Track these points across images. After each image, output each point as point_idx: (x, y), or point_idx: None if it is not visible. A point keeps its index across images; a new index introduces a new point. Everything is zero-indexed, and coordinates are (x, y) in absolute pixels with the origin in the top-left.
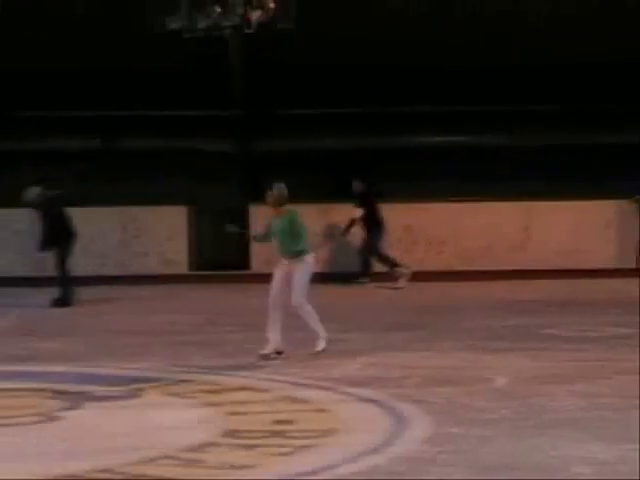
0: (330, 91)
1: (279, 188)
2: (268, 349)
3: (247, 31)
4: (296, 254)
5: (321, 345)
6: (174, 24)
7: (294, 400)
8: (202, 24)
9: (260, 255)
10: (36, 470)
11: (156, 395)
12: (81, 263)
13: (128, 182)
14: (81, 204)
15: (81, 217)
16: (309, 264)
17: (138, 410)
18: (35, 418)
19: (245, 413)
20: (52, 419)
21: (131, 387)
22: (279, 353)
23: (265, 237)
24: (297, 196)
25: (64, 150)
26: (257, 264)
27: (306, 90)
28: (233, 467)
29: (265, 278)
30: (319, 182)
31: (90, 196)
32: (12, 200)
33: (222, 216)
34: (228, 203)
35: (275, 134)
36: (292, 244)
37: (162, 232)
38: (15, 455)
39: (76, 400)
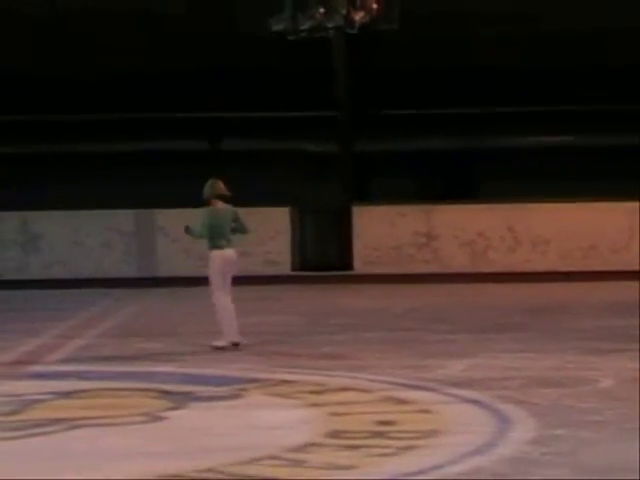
0: (433, 92)
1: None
2: (223, 341)
3: (350, 32)
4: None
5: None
6: (278, 26)
7: (397, 401)
8: (305, 25)
9: (362, 256)
10: (141, 469)
11: (259, 395)
12: (185, 264)
13: (232, 183)
14: (186, 205)
15: (186, 218)
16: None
17: (242, 410)
18: (140, 418)
19: (348, 414)
20: (157, 419)
21: (235, 387)
22: (235, 344)
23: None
24: (400, 196)
25: (171, 151)
26: (359, 265)
27: (409, 91)
28: (336, 467)
29: (367, 279)
30: (422, 183)
31: (195, 197)
32: (116, 201)
33: (325, 216)
34: (331, 204)
35: (378, 135)
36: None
37: (265, 233)
38: (121, 455)
39: (180, 400)
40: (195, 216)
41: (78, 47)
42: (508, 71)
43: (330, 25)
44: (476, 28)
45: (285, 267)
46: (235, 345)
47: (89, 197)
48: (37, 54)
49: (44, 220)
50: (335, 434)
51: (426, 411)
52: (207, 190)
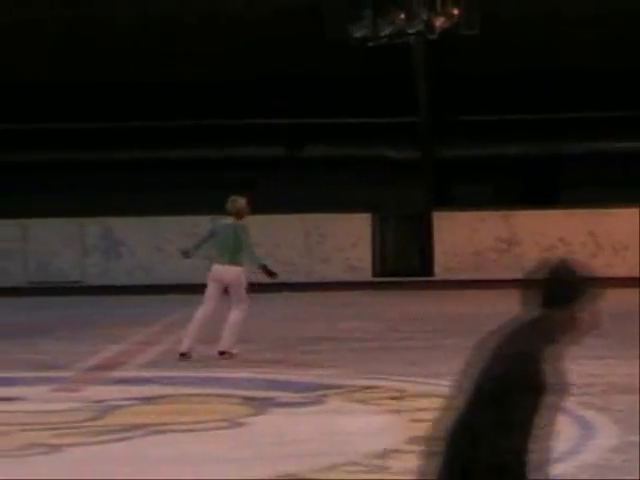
0: (513, 97)
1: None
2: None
3: (430, 37)
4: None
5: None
6: (358, 32)
7: None
8: (386, 31)
9: (443, 261)
10: (222, 474)
11: (341, 401)
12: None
13: (312, 189)
14: (266, 211)
15: (265, 224)
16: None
17: (323, 416)
18: (221, 424)
19: (429, 420)
20: (238, 425)
21: (316, 393)
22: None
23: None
24: (480, 202)
25: (251, 157)
26: (440, 270)
27: (490, 96)
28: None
29: (448, 284)
30: (502, 188)
31: (275, 203)
32: (196, 207)
33: (406, 222)
34: (412, 209)
35: (459, 140)
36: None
37: (346, 239)
38: (202, 460)
39: (261, 406)
40: (277, 221)
41: (159, 53)
42: (590, 75)
43: (411, 31)
44: (557, 32)
45: (366, 273)
46: (182, 355)
47: (170, 203)
48: (120, 60)
49: (126, 226)
50: (416, 440)
51: None
52: (229, 206)
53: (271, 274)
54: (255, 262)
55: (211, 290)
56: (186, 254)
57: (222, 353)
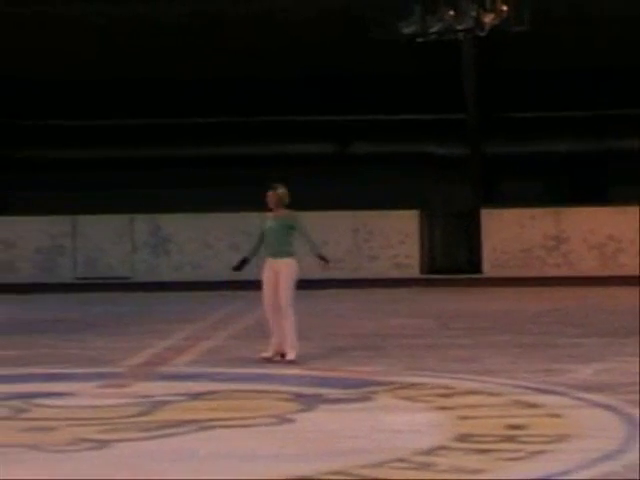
0: (563, 94)
1: (282, 188)
2: (270, 352)
3: (480, 34)
4: (285, 255)
5: (293, 354)
6: (408, 29)
7: (526, 404)
8: (435, 28)
9: (491, 258)
10: (269, 471)
11: (388, 398)
12: (313, 266)
13: (360, 186)
14: (314, 208)
15: (314, 221)
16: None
17: (371, 413)
18: (270, 420)
19: (477, 417)
20: (286, 421)
21: (364, 390)
22: (282, 356)
23: (255, 249)
24: (529, 199)
25: (299, 154)
26: (488, 267)
27: (539, 93)
28: (465, 471)
29: (496, 282)
30: (551, 185)
31: (323, 200)
32: (244, 204)
33: (454, 219)
34: (460, 206)
35: (507, 137)
36: (286, 244)
37: (394, 236)
38: (249, 456)
39: (310, 402)
40: (325, 218)
41: (207, 50)
42: (638, 72)
43: (460, 27)
44: (605, 29)
45: (414, 270)
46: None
47: (219, 200)
48: (166, 57)
49: (174, 223)
50: (464, 437)
51: (556, 415)
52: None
53: (327, 261)
54: (315, 249)
55: (265, 289)
56: (238, 267)
57: (283, 355)
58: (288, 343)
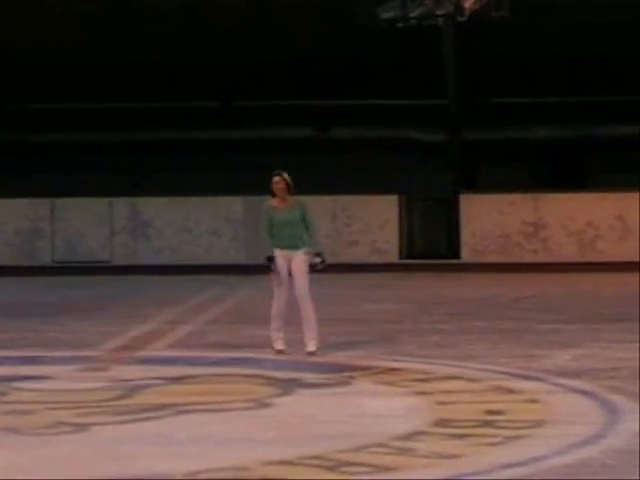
0: (542, 80)
1: (286, 175)
2: (283, 345)
3: (460, 19)
4: (301, 246)
5: (315, 345)
6: (387, 14)
7: (505, 390)
8: (415, 13)
9: (470, 244)
10: (247, 455)
11: (367, 383)
12: None
13: (340, 171)
14: (294, 192)
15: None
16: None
17: (349, 398)
18: (247, 404)
19: (455, 402)
20: (264, 405)
21: (342, 375)
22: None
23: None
24: (508, 185)
25: (279, 139)
26: (467, 253)
27: (519, 79)
28: (443, 456)
29: (475, 267)
30: (530, 171)
31: (302, 184)
32: (224, 188)
33: (434, 205)
34: (440, 192)
35: (487, 123)
36: (301, 235)
37: (373, 221)
38: (226, 441)
39: (287, 387)
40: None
41: (185, 35)
42: (619, 59)
43: (440, 12)
44: (586, 16)
45: (393, 255)
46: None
47: (198, 184)
48: (158, 41)
49: (153, 207)
50: (442, 423)
51: (534, 401)
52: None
53: (323, 262)
54: (317, 246)
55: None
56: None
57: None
58: (313, 332)
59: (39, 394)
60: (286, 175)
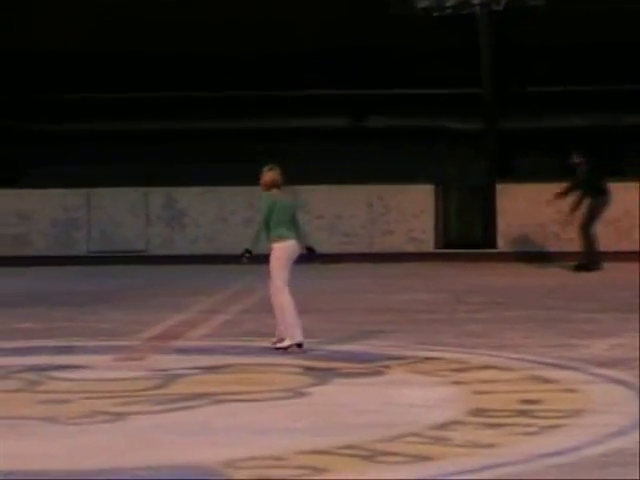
0: (578, 69)
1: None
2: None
3: (496, 8)
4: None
5: (287, 342)
6: (423, 3)
7: (541, 380)
8: (450, 2)
9: (506, 233)
10: (282, 445)
11: (402, 373)
12: (327, 240)
13: (375, 160)
14: (329, 182)
15: (328, 195)
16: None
17: (384, 387)
18: (283, 394)
19: (491, 392)
20: (300, 395)
21: (378, 364)
22: (299, 346)
23: (258, 236)
24: (544, 174)
25: (314, 128)
26: (503, 242)
27: (555, 68)
28: (479, 446)
29: (511, 256)
30: (566, 160)
31: (338, 174)
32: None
33: (469, 194)
34: (475, 181)
35: (523, 112)
36: (293, 226)
37: (409, 210)
38: (262, 429)
39: (323, 376)
40: (340, 192)
41: (219, 24)
42: None
43: (475, 1)
44: (621, 3)
45: (429, 245)
46: (299, 346)
47: (233, 173)
48: (181, 31)
49: (189, 196)
50: (478, 412)
51: (570, 390)
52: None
53: (314, 252)
54: (305, 239)
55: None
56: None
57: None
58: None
59: (75, 383)
60: (277, 169)
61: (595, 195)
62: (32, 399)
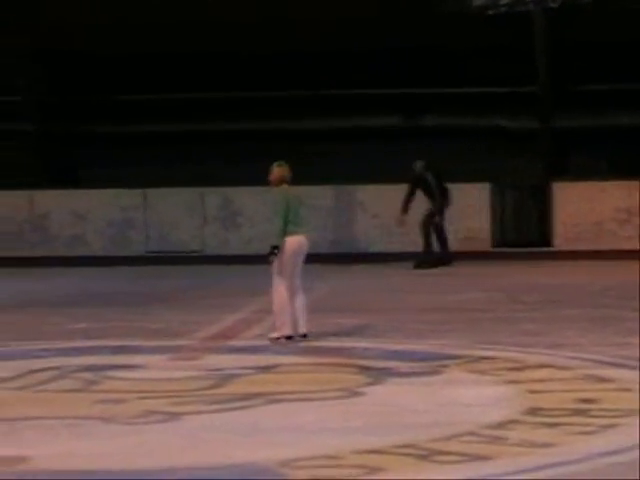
0: (634, 66)
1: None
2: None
3: (551, 6)
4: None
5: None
6: (478, 1)
7: (597, 378)
8: (505, 0)
9: (562, 232)
10: (338, 444)
11: (459, 372)
12: (383, 240)
13: (432, 159)
14: (382, 181)
15: (382, 193)
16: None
17: (441, 387)
18: (338, 393)
19: (547, 391)
20: (355, 394)
21: (433, 363)
22: (304, 335)
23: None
24: (600, 172)
25: (367, 127)
26: (559, 241)
27: (610, 65)
28: (536, 445)
29: (567, 255)
30: (622, 158)
31: (391, 172)
32: (313, 178)
33: (525, 193)
34: (531, 180)
35: (579, 110)
36: (301, 221)
37: (464, 209)
38: (317, 430)
39: (379, 376)
40: (394, 191)
41: (276, 23)
42: None
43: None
44: None
45: (485, 243)
46: (303, 336)
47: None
48: (235, 31)
49: (244, 196)
50: (534, 411)
51: (627, 389)
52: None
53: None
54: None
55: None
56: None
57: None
58: (305, 320)
59: (131, 383)
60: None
61: None
62: (88, 399)
